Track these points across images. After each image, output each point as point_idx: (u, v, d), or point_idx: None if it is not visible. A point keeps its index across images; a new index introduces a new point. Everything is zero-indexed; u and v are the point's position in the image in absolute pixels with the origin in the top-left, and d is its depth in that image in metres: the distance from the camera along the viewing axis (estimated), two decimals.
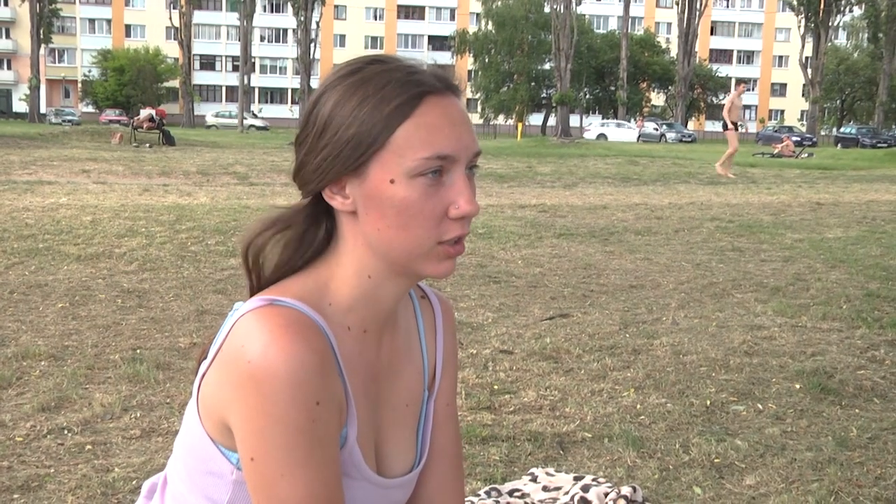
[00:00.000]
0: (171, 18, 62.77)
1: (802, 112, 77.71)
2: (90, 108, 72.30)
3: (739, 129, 19.11)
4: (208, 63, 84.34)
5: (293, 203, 1.15)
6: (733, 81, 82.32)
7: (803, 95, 72.17)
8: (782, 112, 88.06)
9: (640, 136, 55.61)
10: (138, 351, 4.38)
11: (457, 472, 1.31)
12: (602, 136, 53.92)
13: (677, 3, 63.45)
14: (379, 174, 1.03)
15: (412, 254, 1.06)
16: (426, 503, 1.29)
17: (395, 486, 1.19)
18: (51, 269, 6.53)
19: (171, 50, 72.10)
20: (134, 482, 2.77)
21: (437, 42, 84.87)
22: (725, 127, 18.98)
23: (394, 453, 1.20)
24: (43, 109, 65.07)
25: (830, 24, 62.67)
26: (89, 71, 75.05)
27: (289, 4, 63.71)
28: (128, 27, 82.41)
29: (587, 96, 72.76)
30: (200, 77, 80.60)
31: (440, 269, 1.08)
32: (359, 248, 1.09)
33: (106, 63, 71.78)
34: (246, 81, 59.25)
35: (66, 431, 3.24)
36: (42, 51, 65.45)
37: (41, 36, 62.45)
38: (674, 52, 69.50)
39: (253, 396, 0.98)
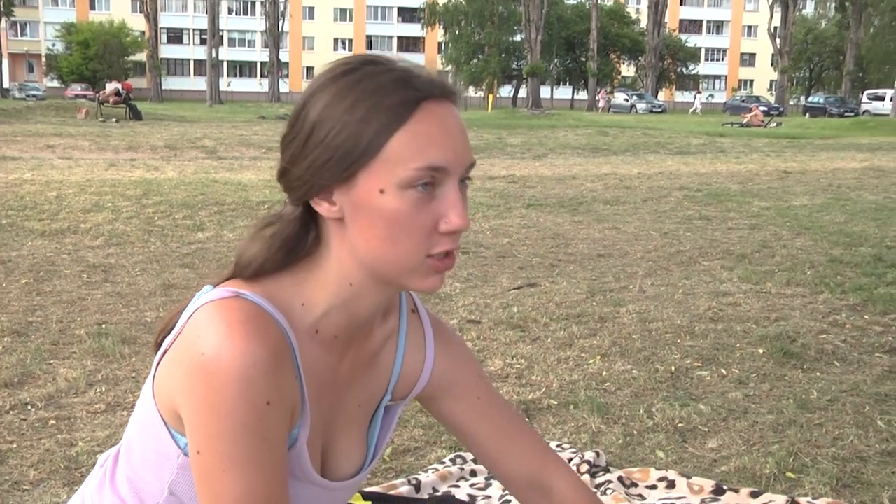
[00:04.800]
0: None
1: (771, 82, 78.07)
2: (55, 83, 70.92)
3: None
4: (175, 36, 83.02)
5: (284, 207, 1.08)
6: (703, 52, 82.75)
7: (772, 65, 72.46)
8: (751, 82, 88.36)
9: (610, 107, 55.66)
10: (104, 326, 4.34)
11: (533, 435, 1.34)
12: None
13: None
14: (368, 183, 0.98)
15: (400, 267, 1.02)
16: (531, 475, 1.31)
17: (340, 488, 1.19)
18: (14, 245, 6.46)
19: (137, 23, 70.77)
20: (98, 456, 2.76)
21: (406, 14, 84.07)
22: None
23: (342, 455, 1.19)
24: (6, 84, 63.86)
25: None
26: (53, 45, 73.72)
27: None
28: (92, 0, 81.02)
29: (558, 67, 72.62)
30: (168, 51, 79.40)
31: (426, 283, 1.04)
32: (343, 254, 1.04)
33: (70, 37, 70.43)
34: (214, 55, 58.50)
35: (29, 407, 3.21)
36: (3, 24, 64.20)
37: (2, 9, 61.26)
38: (643, 22, 69.42)
39: (203, 389, 0.96)
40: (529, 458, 1.31)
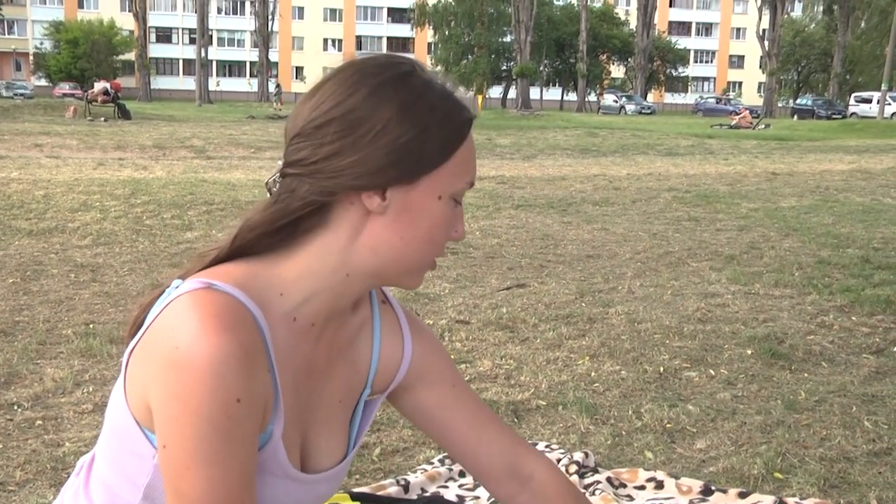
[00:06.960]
0: None
1: (760, 84, 78.35)
2: (43, 82, 70.53)
3: None
4: (164, 35, 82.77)
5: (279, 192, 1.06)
6: (692, 53, 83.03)
7: (761, 67, 72.72)
8: (740, 84, 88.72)
9: (599, 108, 55.82)
10: (91, 326, 4.32)
11: (503, 427, 1.34)
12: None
13: None
14: (431, 188, 1.06)
15: (417, 265, 1.11)
16: (509, 463, 1.31)
17: (320, 480, 1.18)
18: (1, 245, 6.42)
19: (126, 22, 70.52)
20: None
21: (396, 14, 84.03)
22: None
23: (322, 448, 1.19)
24: None
25: None
26: (41, 43, 73.33)
27: None
28: None
29: (547, 69, 72.76)
30: (157, 50, 79.17)
31: (417, 282, 1.14)
32: (355, 246, 1.06)
33: (59, 35, 70.05)
34: (203, 54, 58.30)
35: (15, 407, 3.19)
36: None
37: None
38: (633, 24, 69.62)
39: (173, 383, 0.96)
40: (506, 446, 1.32)
